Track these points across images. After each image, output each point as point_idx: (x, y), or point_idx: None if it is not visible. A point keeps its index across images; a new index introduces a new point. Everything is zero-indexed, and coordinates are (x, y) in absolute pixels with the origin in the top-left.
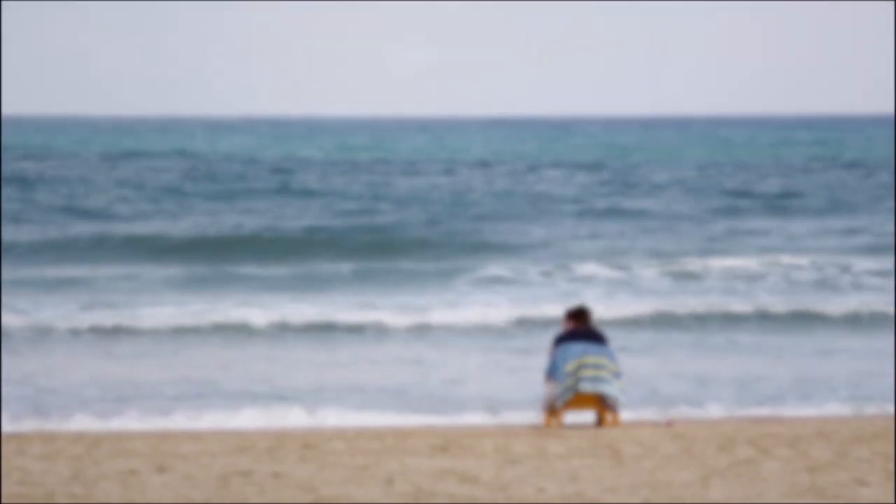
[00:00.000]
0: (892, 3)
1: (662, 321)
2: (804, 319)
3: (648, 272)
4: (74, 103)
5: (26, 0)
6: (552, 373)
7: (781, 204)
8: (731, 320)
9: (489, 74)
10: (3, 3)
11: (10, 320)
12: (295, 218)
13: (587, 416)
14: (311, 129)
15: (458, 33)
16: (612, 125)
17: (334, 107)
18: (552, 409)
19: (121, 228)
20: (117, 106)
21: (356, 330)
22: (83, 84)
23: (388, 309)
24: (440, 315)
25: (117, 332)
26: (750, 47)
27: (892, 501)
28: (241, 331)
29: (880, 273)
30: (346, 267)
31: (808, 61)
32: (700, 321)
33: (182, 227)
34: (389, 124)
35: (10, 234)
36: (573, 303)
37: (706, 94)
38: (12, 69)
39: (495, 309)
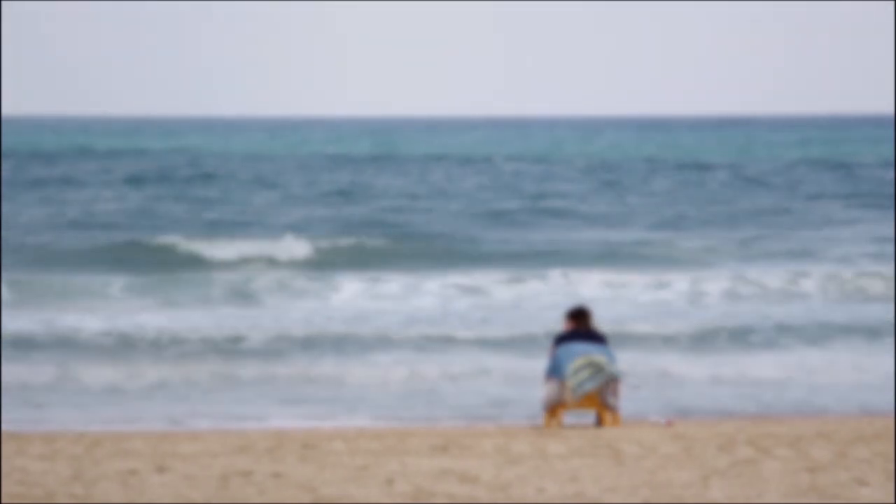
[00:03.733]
0: (893, 2)
1: None
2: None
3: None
4: (73, 104)
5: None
6: (552, 373)
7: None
8: None
9: (487, 74)
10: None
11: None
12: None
13: (587, 416)
14: (318, 129)
15: (457, 33)
16: (608, 126)
17: (333, 107)
18: (552, 409)
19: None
20: (117, 106)
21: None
22: (83, 84)
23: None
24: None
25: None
26: (744, 47)
27: (893, 501)
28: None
29: None
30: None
31: (807, 61)
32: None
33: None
34: (391, 124)
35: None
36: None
37: (697, 94)
38: (12, 69)
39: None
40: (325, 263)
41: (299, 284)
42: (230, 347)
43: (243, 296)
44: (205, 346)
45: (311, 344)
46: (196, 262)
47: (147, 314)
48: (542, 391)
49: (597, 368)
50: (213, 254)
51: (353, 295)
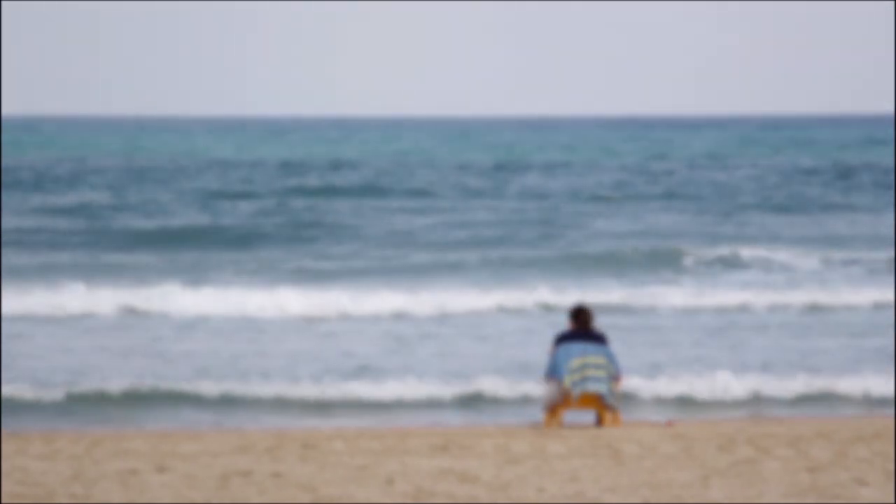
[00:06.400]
0: (893, 2)
1: None
2: None
3: None
4: (71, 104)
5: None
6: (552, 372)
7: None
8: None
9: (486, 74)
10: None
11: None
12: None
13: (587, 416)
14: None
15: (456, 33)
16: (604, 125)
17: (332, 107)
18: (552, 409)
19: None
20: (117, 107)
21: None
22: (84, 85)
23: None
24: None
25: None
26: (737, 47)
27: (893, 501)
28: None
29: None
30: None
31: (806, 61)
32: None
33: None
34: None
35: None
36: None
37: (695, 94)
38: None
39: None
40: None
41: None
42: None
43: None
44: None
45: None
46: None
47: None
48: (542, 391)
49: (594, 368)
50: None
51: None
